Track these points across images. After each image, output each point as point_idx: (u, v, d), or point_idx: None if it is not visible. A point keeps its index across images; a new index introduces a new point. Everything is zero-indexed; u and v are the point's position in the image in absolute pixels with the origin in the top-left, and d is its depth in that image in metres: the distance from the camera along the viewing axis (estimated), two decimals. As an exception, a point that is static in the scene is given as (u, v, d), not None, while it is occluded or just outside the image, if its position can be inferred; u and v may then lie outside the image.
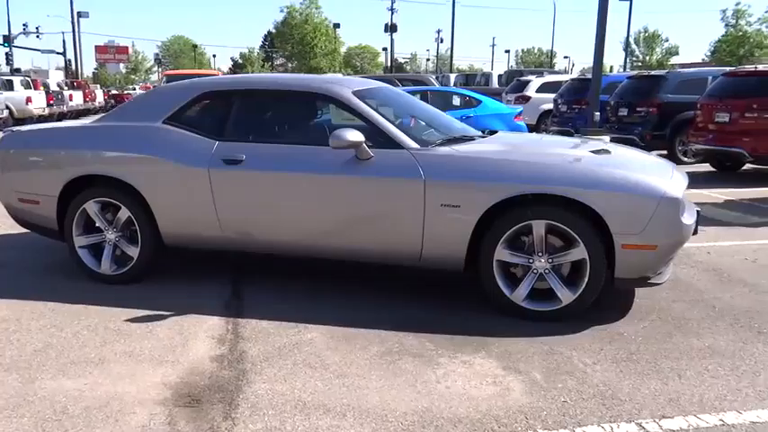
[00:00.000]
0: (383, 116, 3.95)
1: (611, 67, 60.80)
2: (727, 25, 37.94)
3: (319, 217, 3.90)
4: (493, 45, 76.47)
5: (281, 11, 38.87)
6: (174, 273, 4.57)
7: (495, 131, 4.66)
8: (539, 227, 3.59)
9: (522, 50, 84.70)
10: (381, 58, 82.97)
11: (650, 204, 3.47)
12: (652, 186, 3.51)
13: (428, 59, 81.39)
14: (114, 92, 35.55)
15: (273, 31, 70.18)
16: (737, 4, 39.38)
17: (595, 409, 2.72)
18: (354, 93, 4.07)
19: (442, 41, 74.32)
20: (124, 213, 4.25)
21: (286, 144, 4.04)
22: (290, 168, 3.91)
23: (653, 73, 12.32)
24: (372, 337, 3.46)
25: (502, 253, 3.67)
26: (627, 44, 38.08)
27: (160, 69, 77.65)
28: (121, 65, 57.31)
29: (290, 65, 66.96)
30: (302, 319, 3.69)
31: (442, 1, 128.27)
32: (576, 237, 3.53)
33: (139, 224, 4.23)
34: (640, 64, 64.90)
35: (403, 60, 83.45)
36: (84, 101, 26.57)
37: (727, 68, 11.86)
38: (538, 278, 3.69)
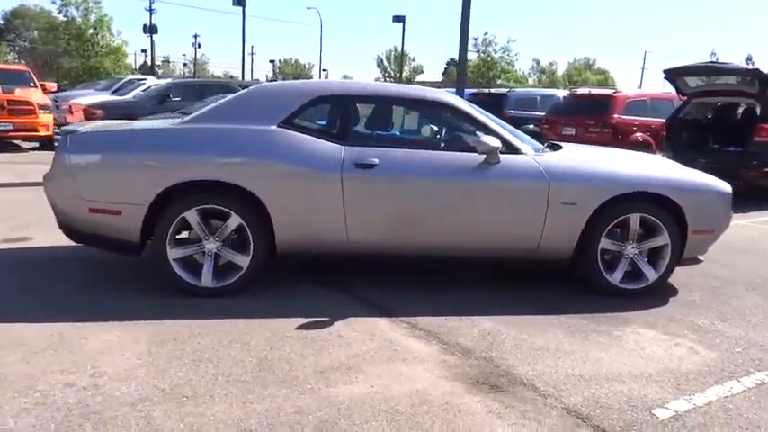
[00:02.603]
0: (498, 124, 4.39)
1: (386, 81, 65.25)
2: (478, 51, 44.06)
3: (451, 219, 4.18)
4: (252, 54, 76.16)
5: (53, 2, 34.09)
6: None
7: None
8: (635, 219, 4.37)
9: (280, 61, 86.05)
10: (129, 60, 77.54)
11: (714, 199, 4.49)
12: (715, 185, 4.53)
13: (185, 64, 78.22)
14: None
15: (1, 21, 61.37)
16: (486, 33, 45.83)
17: (761, 353, 3.57)
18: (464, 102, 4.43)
19: (199, 46, 72.23)
20: (234, 221, 4.01)
21: (416, 149, 4.23)
22: (425, 173, 4.12)
23: (494, 91, 14.11)
24: (537, 321, 3.90)
25: (605, 242, 4.37)
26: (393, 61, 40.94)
27: None
28: None
29: (23, 60, 58.85)
30: (457, 312, 3.94)
31: (199, 4, 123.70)
32: (663, 226, 4.38)
33: (252, 232, 4.03)
34: (392, 79, 70.65)
35: (156, 63, 79.05)
36: None
37: (556, 90, 14.09)
38: (618, 261, 4.46)
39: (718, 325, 4.00)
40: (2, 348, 3.18)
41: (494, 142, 4.07)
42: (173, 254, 4.00)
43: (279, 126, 4.08)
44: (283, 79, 71.75)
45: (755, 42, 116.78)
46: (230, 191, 3.98)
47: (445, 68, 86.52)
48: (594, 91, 12.06)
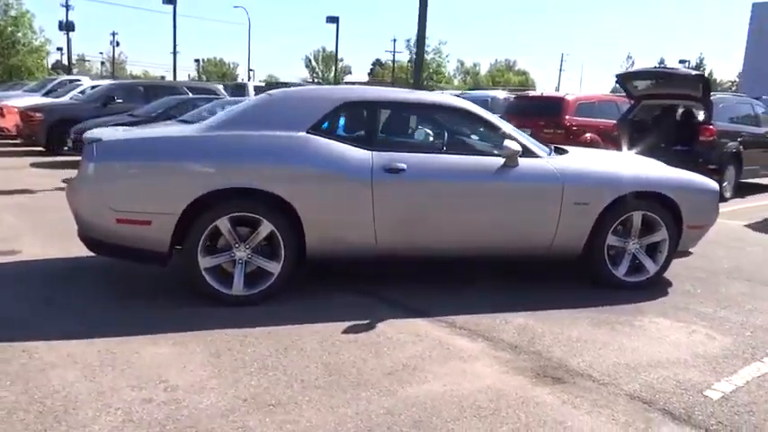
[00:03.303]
0: (512, 128, 4.58)
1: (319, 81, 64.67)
2: (410, 52, 44.59)
3: (474, 220, 4.34)
4: (175, 53, 73.86)
5: None
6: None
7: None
8: (637, 216, 4.67)
9: (204, 60, 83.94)
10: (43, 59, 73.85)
11: (705, 196, 4.86)
12: (705, 183, 4.90)
13: (102, 63, 75.07)
14: None
15: None
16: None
17: (768, 336, 3.92)
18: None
19: (117, 44, 69.51)
20: (266, 228, 4.01)
21: (439, 154, 4.36)
22: (450, 177, 4.26)
23: (447, 93, 14.41)
24: (560, 315, 4.09)
25: (611, 239, 4.65)
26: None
27: None
28: None
29: None
30: (484, 310, 4.09)
31: (117, 1, 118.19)
32: (662, 222, 4.70)
33: (284, 238, 4.04)
34: (320, 80, 70.51)
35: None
36: None
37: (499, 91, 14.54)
38: (622, 256, 4.75)
39: (720, 312, 4.34)
40: (56, 367, 3.08)
41: (515, 146, 4.26)
42: (204, 263, 3.96)
43: (308, 132, 4.11)
44: (207, 79, 70.08)
45: (668, 45, 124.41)
46: (262, 198, 3.98)
47: (371, 69, 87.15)
48: (547, 93, 12.60)
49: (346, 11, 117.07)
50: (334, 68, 49.04)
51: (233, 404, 2.79)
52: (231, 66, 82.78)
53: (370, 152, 4.15)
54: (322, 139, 4.12)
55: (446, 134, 4.65)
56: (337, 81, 67.38)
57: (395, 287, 4.52)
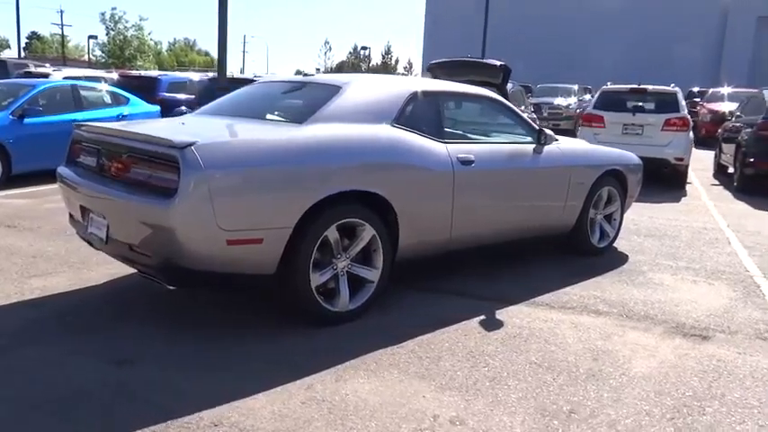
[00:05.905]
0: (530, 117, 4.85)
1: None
2: (107, 28, 39.52)
3: (524, 204, 4.57)
4: None
5: None
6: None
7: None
8: (605, 191, 5.40)
9: None
10: None
11: (639, 170, 5.82)
12: (637, 159, 5.86)
13: None
14: None
15: None
16: (114, 8, 41.63)
17: (741, 272, 4.97)
18: None
19: None
20: (368, 233, 3.63)
21: (494, 144, 4.43)
22: (507, 164, 4.40)
23: (144, 74, 13.56)
24: (597, 282, 4.58)
25: (591, 212, 5.30)
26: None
27: None
28: None
29: None
30: (543, 290, 4.36)
31: None
32: (618, 195, 5.52)
33: (383, 242, 3.71)
34: (-30, 55, 58.93)
35: None
36: None
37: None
38: (593, 226, 5.45)
39: (679, 263, 5.31)
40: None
41: (552, 134, 4.57)
42: (314, 280, 3.42)
43: (392, 125, 3.81)
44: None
45: (359, 34, 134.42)
46: (366, 200, 3.59)
47: (27, 43, 75.63)
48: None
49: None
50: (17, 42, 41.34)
51: (541, 421, 2.62)
52: None
53: (444, 144, 4.03)
54: (407, 131, 3.86)
55: (491, 124, 4.73)
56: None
57: (448, 280, 4.47)
